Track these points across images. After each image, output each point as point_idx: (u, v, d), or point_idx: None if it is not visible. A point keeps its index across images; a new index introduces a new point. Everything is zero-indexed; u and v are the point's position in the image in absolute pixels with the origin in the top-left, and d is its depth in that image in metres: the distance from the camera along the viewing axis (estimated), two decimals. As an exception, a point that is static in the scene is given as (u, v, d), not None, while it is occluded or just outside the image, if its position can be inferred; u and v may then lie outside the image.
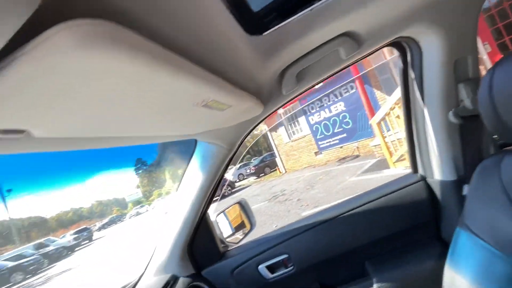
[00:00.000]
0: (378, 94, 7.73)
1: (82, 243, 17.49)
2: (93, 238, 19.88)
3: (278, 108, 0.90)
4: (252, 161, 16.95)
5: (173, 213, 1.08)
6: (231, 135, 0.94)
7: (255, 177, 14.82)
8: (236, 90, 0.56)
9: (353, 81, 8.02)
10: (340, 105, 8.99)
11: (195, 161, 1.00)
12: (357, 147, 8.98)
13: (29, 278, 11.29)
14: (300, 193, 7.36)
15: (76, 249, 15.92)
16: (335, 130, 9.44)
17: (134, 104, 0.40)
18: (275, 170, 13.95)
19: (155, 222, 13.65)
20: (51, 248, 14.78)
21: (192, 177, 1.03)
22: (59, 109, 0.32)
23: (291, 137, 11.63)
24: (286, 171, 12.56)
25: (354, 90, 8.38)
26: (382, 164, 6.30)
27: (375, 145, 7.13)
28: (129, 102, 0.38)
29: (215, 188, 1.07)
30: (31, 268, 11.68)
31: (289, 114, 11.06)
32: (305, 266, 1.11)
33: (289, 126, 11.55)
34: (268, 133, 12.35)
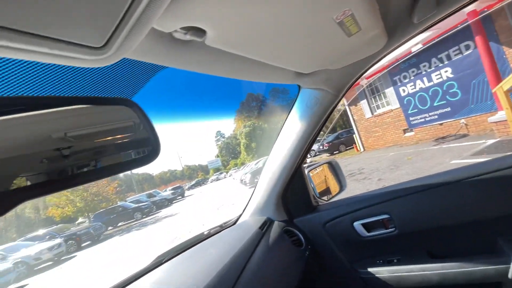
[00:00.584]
0: (510, 53, 5.79)
1: (177, 197, 21.65)
2: (185, 195, 24.19)
3: (404, 43, 0.77)
4: (325, 137, 16.23)
5: (272, 160, 1.15)
6: (340, 78, 0.89)
7: (328, 154, 14.25)
8: (374, 9, 0.51)
9: (469, 38, 6.23)
10: (445, 71, 7.24)
11: (296, 109, 1.01)
12: (465, 124, 7.24)
13: (144, 217, 14.87)
14: (382, 173, 6.66)
15: (174, 201, 19.80)
16: (435, 104, 7.79)
17: (279, 25, 0.43)
18: (352, 148, 12.98)
19: (230, 186, 15.36)
20: (157, 198, 18.89)
21: (292, 126, 1.06)
22: (238, 15, 0.36)
23: (374, 112, 10.37)
24: (364, 149, 11.51)
25: (469, 51, 6.54)
26: (504, 146, 4.91)
27: (497, 122, 5.57)
28: (278, 21, 0.40)
29: (314, 137, 1.07)
30: (145, 210, 15.32)
31: (373, 86, 9.77)
32: (410, 230, 1.01)
33: (372, 99, 10.27)
34: (347, 107, 11.36)
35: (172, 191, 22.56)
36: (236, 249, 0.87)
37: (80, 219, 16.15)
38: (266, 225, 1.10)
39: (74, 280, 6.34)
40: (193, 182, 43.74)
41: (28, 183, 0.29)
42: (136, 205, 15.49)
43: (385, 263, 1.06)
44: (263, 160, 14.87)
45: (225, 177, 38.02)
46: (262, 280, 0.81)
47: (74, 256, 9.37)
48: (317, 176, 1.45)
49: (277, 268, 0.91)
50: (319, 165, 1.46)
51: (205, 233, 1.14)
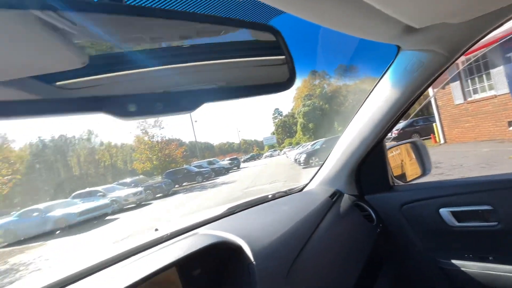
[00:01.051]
0: None
1: (233, 168, 23.27)
2: (240, 166, 25.75)
3: None
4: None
5: (351, 130, 1.08)
6: (458, 36, 0.73)
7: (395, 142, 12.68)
8: None
9: None
10: None
11: (391, 75, 0.90)
12: None
13: (204, 181, 16.61)
14: (468, 170, 5.59)
15: (230, 171, 21.37)
16: None
17: None
18: (428, 138, 11.19)
19: (283, 164, 15.51)
20: (216, 166, 20.68)
21: (381, 93, 0.95)
22: None
23: (468, 97, 8.53)
24: (445, 141, 9.78)
25: None
26: None
27: None
28: None
29: (406, 109, 0.94)
30: (205, 175, 17.06)
31: (474, 64, 7.90)
32: None
33: (469, 80, 8.40)
34: (431, 90, 9.60)
35: (230, 161, 24.30)
36: (305, 213, 0.87)
37: (155, 175, 19.19)
38: (336, 196, 1.07)
39: (150, 219, 7.74)
40: (248, 156, 45.89)
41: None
42: (198, 170, 17.35)
43: (477, 259, 0.92)
44: (320, 142, 14.33)
45: (278, 155, 38.51)
46: (330, 248, 0.80)
47: (150, 203, 11.33)
48: (393, 159, 1.31)
49: (346, 239, 0.89)
50: (400, 145, 1.31)
51: (270, 196, 1.17)
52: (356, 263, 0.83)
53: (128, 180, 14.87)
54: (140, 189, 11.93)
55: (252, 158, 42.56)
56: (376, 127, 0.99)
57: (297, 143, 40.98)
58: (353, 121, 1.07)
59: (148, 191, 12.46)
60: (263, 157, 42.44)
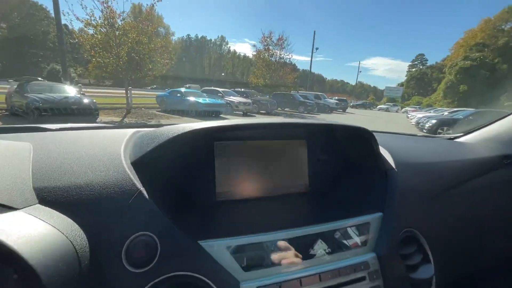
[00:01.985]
0: None
1: (338, 109, 21.78)
2: (346, 110, 23.75)
3: None
4: None
5: None
6: None
7: None
8: None
9: None
10: None
11: None
12: None
13: (305, 113, 16.62)
14: None
15: (334, 111, 20.21)
16: None
17: None
18: None
19: (400, 123, 13.01)
20: (321, 101, 19.85)
21: None
22: None
23: None
24: None
25: None
26: None
27: None
28: None
29: None
30: (308, 107, 16.90)
31: None
32: None
33: None
34: None
35: (337, 101, 22.59)
36: (456, 158, 0.80)
37: (263, 93, 20.56)
38: (510, 159, 0.84)
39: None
40: (358, 102, 40.92)
41: None
42: (303, 100, 17.21)
43: None
44: (467, 112, 10.76)
45: (397, 112, 32.30)
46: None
47: (254, 116, 12.68)
48: None
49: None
50: None
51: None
52: None
53: (242, 89, 16.65)
54: (249, 101, 13.27)
55: (363, 106, 37.74)
56: None
57: (429, 105, 32.43)
58: None
59: (255, 104, 13.74)
60: (376, 109, 36.82)
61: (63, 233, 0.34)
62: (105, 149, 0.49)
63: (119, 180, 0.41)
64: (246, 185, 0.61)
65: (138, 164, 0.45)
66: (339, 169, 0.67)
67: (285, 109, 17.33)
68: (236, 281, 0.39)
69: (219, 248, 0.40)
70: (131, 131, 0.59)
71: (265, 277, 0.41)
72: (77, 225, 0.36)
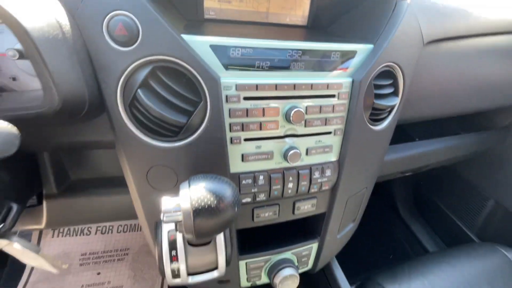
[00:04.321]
0: None
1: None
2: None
3: None
4: None
5: None
6: None
7: None
8: None
9: None
10: None
11: None
12: None
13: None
14: None
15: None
16: None
17: None
18: None
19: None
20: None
21: None
22: None
23: None
24: None
25: None
26: None
27: None
28: None
29: None
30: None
31: None
32: None
33: None
34: None
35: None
36: None
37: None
38: None
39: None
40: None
41: None
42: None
43: None
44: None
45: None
46: None
47: None
48: None
49: None
50: None
51: None
52: None
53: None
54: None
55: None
56: None
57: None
58: None
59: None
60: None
61: None
62: None
63: None
64: (237, 3, 0.56)
65: None
66: (343, 4, 0.61)
67: None
68: (217, 75, 0.41)
69: (202, 44, 0.41)
70: None
71: (243, 77, 0.43)
72: None
